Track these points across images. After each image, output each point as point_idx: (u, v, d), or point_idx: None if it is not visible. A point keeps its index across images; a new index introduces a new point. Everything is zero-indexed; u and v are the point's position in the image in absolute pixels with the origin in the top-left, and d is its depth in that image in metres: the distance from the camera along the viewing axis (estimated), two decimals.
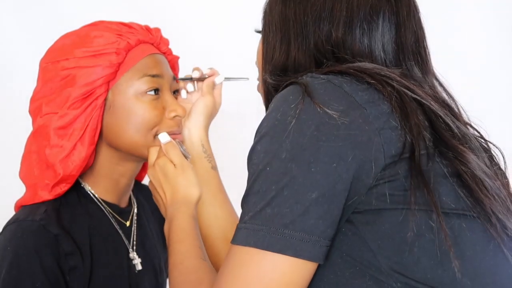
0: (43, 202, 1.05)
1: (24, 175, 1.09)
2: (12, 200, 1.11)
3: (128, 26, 1.08)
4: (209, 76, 1.19)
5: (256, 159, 0.75)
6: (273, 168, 0.72)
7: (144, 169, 1.24)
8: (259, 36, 0.93)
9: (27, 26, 1.65)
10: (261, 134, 0.76)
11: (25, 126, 1.13)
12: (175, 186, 1.01)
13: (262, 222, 0.71)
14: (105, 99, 1.04)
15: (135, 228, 1.16)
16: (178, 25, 1.62)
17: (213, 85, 1.19)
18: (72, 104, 1.02)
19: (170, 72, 1.11)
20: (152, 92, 1.05)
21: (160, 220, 1.26)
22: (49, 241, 0.99)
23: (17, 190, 1.11)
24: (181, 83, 1.19)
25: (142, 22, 1.12)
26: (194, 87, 1.20)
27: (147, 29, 1.10)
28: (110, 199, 1.12)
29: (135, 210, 1.18)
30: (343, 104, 0.73)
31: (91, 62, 1.02)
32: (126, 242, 1.13)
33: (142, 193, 1.26)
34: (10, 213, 1.08)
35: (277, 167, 0.72)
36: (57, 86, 1.03)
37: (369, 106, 0.73)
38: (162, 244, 1.25)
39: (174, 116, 1.08)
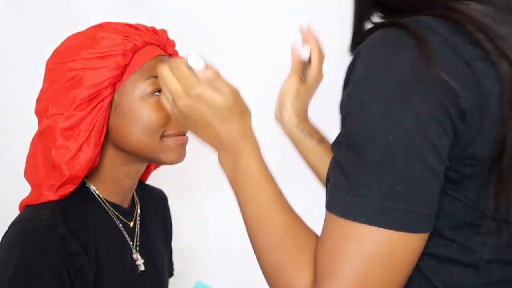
0: (48, 202, 1.05)
1: (29, 175, 1.08)
2: (15, 199, 1.11)
3: (135, 27, 1.08)
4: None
5: (371, 125, 0.68)
6: (393, 139, 0.67)
7: (148, 169, 1.24)
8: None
9: (28, 26, 1.65)
10: (376, 95, 0.68)
11: (28, 126, 1.13)
12: (234, 117, 0.84)
13: (375, 196, 0.68)
14: (111, 101, 1.04)
15: (138, 228, 1.16)
16: (185, 26, 1.62)
17: (300, 63, 1.09)
18: (79, 106, 1.02)
19: None
20: (158, 93, 1.05)
21: (163, 220, 1.27)
22: (56, 241, 0.98)
23: (20, 190, 1.11)
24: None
25: (148, 23, 1.12)
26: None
27: (153, 30, 1.10)
28: (114, 199, 1.12)
29: (138, 211, 1.18)
30: (459, 75, 0.67)
31: (98, 64, 1.02)
32: (130, 242, 1.13)
33: (146, 193, 1.26)
34: (13, 212, 1.07)
35: (398, 139, 0.67)
36: (64, 87, 1.03)
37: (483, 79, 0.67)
38: (165, 244, 1.26)
39: None
